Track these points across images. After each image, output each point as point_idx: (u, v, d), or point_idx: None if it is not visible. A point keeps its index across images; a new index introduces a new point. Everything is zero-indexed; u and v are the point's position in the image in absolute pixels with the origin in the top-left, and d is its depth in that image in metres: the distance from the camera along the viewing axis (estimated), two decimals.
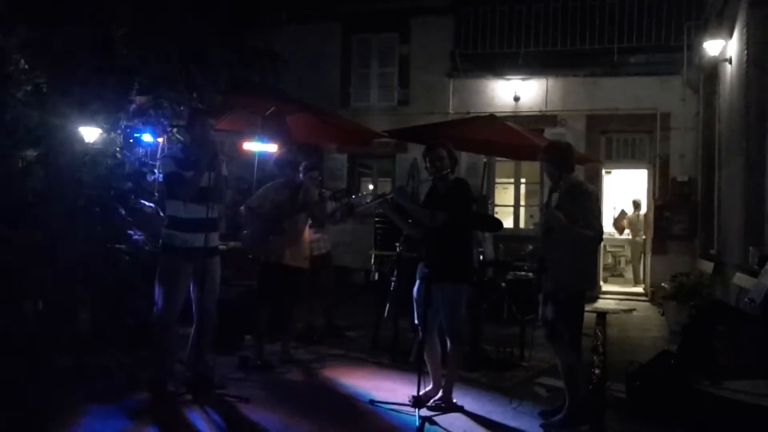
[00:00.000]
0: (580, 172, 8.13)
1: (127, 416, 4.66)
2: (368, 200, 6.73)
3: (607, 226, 14.26)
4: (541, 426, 4.76)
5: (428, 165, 5.20)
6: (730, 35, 8.81)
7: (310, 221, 6.55)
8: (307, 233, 6.63)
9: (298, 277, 6.28)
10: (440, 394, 5.14)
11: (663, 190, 12.27)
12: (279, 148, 6.51)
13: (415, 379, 4.92)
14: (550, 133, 11.95)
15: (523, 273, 7.73)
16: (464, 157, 11.31)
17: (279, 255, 6.19)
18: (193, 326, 5.27)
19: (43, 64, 6.85)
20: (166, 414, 4.75)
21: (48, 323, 6.18)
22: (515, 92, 12.93)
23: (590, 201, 4.70)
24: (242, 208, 6.40)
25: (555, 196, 4.80)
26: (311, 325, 7.47)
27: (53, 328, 6.11)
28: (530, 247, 9.44)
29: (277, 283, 6.19)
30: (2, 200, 6.18)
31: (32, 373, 5.36)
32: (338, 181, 13.46)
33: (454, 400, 5.12)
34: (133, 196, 7.16)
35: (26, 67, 6.80)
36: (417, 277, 5.24)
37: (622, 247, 14.35)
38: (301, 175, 6.75)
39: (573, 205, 4.61)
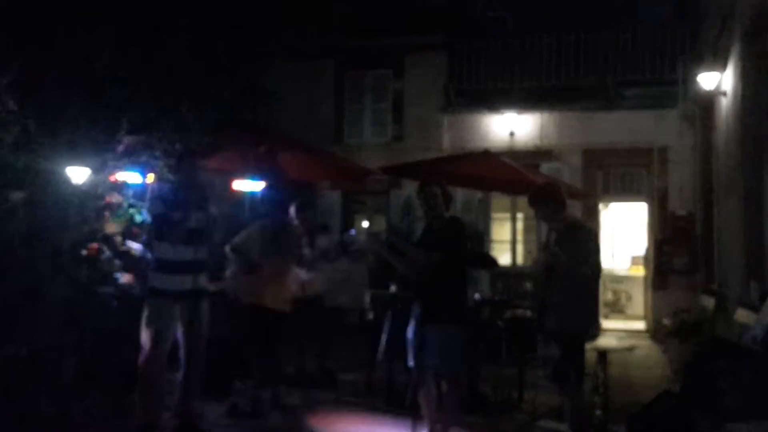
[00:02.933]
0: (577, 208, 8.07)
1: None
2: (361, 239, 6.68)
3: (607, 262, 14.16)
4: None
5: (422, 203, 5.15)
6: (725, 69, 8.82)
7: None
8: (296, 274, 6.52)
9: (278, 320, 6.14)
10: None
11: (662, 225, 12.20)
12: (265, 185, 6.51)
13: (410, 423, 4.86)
14: (546, 167, 11.94)
15: (521, 311, 7.60)
16: (459, 194, 11.25)
17: (259, 297, 6.08)
18: (181, 371, 5.18)
19: (31, 105, 6.80)
20: None
21: (32, 368, 6.04)
22: (510, 127, 12.93)
23: (588, 238, 4.75)
24: (226, 248, 6.30)
25: (554, 234, 4.80)
26: (303, 368, 7.33)
27: (37, 374, 5.97)
28: (528, 285, 9.32)
29: (256, 326, 6.08)
30: None
31: (16, 420, 5.22)
32: (332, 218, 13.38)
33: None
34: (120, 238, 7.10)
35: (15, 108, 6.75)
36: (411, 317, 5.13)
37: (622, 282, 14.24)
38: (293, 213, 6.69)
39: (571, 243, 4.63)
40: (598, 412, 5.28)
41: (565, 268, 4.56)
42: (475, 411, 6.13)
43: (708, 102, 10.27)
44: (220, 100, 8.32)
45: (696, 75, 10.04)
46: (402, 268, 5.41)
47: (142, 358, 5.04)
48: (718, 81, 9.18)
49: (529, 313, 7.24)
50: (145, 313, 5.07)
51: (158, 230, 5.21)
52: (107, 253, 6.92)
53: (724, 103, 8.92)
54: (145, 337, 5.02)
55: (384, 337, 6.75)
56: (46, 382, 5.97)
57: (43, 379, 5.98)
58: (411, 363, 5.11)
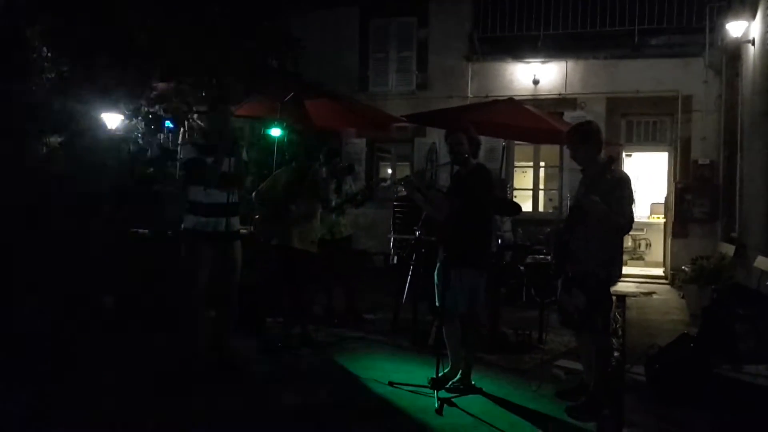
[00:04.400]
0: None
1: (152, 397, 4.75)
2: (391, 183, 6.77)
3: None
4: (565, 411, 4.73)
5: (449, 150, 5.24)
6: (753, 16, 8.69)
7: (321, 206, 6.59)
8: (324, 218, 6.67)
9: (306, 260, 6.31)
10: (459, 376, 5.18)
11: (684, 173, 12.17)
12: (292, 132, 6.56)
13: (434, 362, 4.99)
14: (569, 116, 11.88)
15: (541, 257, 7.72)
16: (483, 141, 11.24)
17: (286, 238, 6.24)
18: (216, 309, 5.36)
19: (65, 52, 6.93)
20: (190, 395, 4.83)
21: (74, 305, 6.29)
22: (534, 75, 12.85)
23: (624, 187, 4.58)
24: (253, 193, 6.44)
25: (587, 180, 4.66)
26: (331, 307, 7.55)
27: (78, 310, 6.22)
28: (548, 230, 9.39)
29: (285, 266, 6.26)
30: (28, 185, 6.28)
31: (56, 356, 5.48)
32: (358, 166, 13.51)
33: (473, 382, 5.16)
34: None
35: (49, 54, 6.89)
36: (437, 260, 5.28)
37: (643, 230, 14.28)
38: (321, 159, 6.84)
39: (606, 191, 4.47)
40: (616, 354, 5.36)
41: (601, 216, 4.41)
42: (497, 350, 6.30)
43: (735, 50, 10.13)
44: (248, 48, 8.39)
45: (723, 23, 9.89)
46: (430, 211, 5.54)
47: (179, 296, 5.22)
48: (746, 29, 9.05)
49: (549, 257, 7.34)
50: (181, 254, 5.21)
51: (191, 174, 5.26)
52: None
53: (752, 51, 8.80)
54: (181, 277, 5.18)
55: (408, 280, 6.94)
56: (88, 318, 6.22)
57: (84, 315, 6.24)
58: (437, 303, 5.29)
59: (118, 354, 5.76)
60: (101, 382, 5.03)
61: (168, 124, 7.62)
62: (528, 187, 13.60)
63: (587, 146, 4.73)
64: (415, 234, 6.76)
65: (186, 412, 4.52)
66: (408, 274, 7.03)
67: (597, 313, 4.63)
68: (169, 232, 6.81)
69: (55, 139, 6.66)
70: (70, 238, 6.19)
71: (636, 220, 12.51)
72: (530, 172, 13.64)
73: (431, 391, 4.92)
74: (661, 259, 13.29)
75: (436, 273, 5.26)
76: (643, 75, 12.15)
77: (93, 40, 7.09)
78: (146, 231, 6.93)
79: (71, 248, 6.18)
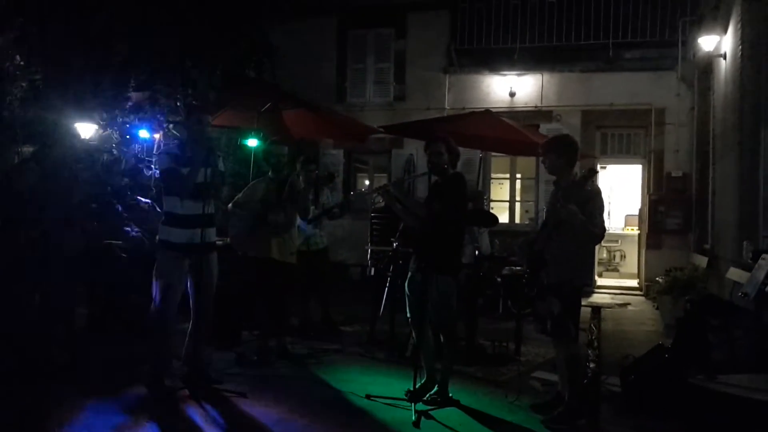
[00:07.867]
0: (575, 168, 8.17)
1: (124, 411, 4.68)
2: (369, 191, 6.74)
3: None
4: (542, 422, 4.74)
5: (427, 160, 5.26)
6: (725, 31, 8.85)
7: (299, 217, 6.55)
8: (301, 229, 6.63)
9: (285, 272, 6.26)
10: (436, 388, 5.17)
11: (657, 185, 12.33)
12: (269, 141, 6.53)
13: (411, 374, 4.97)
14: (545, 128, 12.00)
15: (518, 268, 7.75)
16: (460, 153, 11.33)
17: (265, 250, 6.19)
18: (191, 321, 5.29)
19: (38, 60, 6.85)
20: (163, 409, 4.77)
21: (45, 318, 6.18)
22: (511, 88, 12.95)
23: (597, 198, 4.70)
24: (229, 205, 6.37)
25: (560, 191, 4.76)
26: (308, 319, 7.50)
27: (50, 324, 6.11)
28: (520, 241, 9.43)
29: (264, 278, 6.21)
30: None
31: (29, 369, 5.39)
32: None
33: (450, 395, 5.15)
34: (129, 192, 7.18)
35: (21, 63, 6.80)
36: (409, 270, 5.28)
37: (617, 241, 14.41)
38: (298, 168, 6.81)
39: (582, 202, 4.56)
40: (591, 365, 5.38)
41: (578, 226, 4.50)
42: (474, 362, 6.30)
43: (707, 64, 10.31)
44: (225, 57, 8.36)
45: (696, 37, 10.06)
46: (407, 220, 5.54)
47: (152, 309, 5.12)
48: (717, 43, 9.21)
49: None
50: (155, 266, 5.12)
51: (167, 185, 5.21)
52: (117, 206, 6.99)
53: (723, 65, 8.96)
54: (155, 288, 5.09)
55: (386, 291, 6.92)
56: (59, 331, 6.12)
57: (55, 328, 6.13)
58: (408, 314, 5.28)
59: (87, 368, 5.66)
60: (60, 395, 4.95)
61: (143, 134, 7.55)
62: (504, 199, 13.66)
63: (563, 158, 4.83)
64: (392, 245, 6.77)
65: (156, 424, 4.46)
66: (385, 286, 7.01)
67: (571, 320, 4.70)
68: (144, 244, 6.74)
69: (27, 149, 6.55)
70: (42, 248, 6.07)
71: (611, 231, 12.63)
72: (507, 183, 13.71)
73: (408, 403, 4.90)
74: (635, 270, 13.41)
75: (407, 283, 5.26)
76: (618, 88, 12.31)
77: (67, 46, 7.01)
78: (120, 243, 6.84)
79: (42, 259, 6.07)
